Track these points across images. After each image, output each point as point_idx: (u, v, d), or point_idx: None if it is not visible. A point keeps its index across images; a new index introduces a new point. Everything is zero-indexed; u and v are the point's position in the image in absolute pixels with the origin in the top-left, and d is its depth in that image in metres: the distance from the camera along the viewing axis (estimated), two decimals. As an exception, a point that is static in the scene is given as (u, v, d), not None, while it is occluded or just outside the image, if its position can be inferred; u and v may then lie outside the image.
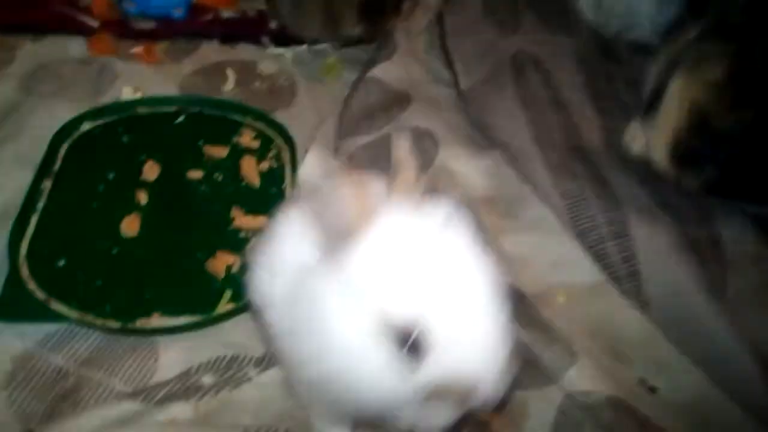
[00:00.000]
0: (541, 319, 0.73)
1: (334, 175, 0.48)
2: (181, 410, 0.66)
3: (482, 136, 0.94)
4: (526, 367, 0.71)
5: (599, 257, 0.76)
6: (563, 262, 0.79)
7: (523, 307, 0.73)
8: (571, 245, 0.79)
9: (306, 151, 0.97)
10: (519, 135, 0.86)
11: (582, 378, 0.67)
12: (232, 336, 0.75)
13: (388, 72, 1.07)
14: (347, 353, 0.47)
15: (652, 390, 0.71)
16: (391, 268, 0.46)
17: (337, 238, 0.47)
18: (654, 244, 0.73)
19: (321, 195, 0.50)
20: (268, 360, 0.72)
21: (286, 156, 0.98)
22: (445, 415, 0.50)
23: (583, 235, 0.77)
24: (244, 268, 0.80)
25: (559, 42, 0.98)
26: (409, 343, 0.45)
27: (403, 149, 0.50)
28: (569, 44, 1.00)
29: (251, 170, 0.94)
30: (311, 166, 0.93)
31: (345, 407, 0.56)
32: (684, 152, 0.73)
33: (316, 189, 0.53)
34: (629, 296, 0.74)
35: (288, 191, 0.93)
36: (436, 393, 0.47)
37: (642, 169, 0.83)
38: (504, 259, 0.79)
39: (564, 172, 0.80)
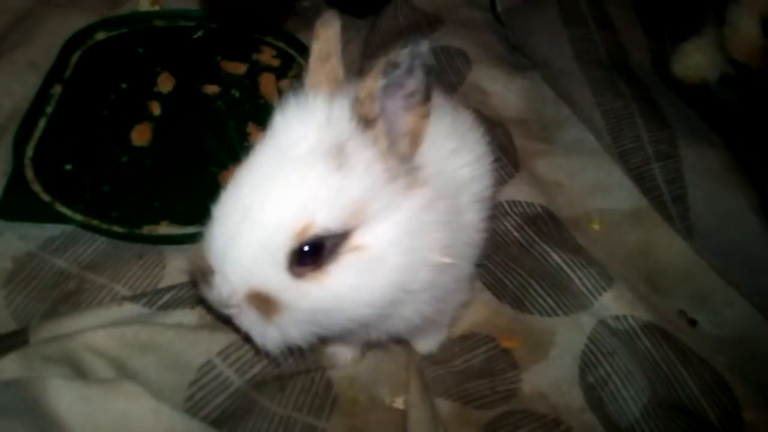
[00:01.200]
0: (575, 244, 0.67)
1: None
2: (185, 316, 0.62)
3: (520, 57, 0.87)
4: (556, 292, 0.66)
5: (643, 179, 0.69)
6: (601, 187, 0.73)
7: (556, 229, 0.68)
8: (610, 169, 0.73)
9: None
10: (559, 52, 0.79)
11: (618, 302, 0.61)
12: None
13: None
14: None
15: (692, 323, 0.65)
16: None
17: None
18: (704, 165, 0.66)
19: None
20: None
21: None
22: None
23: (625, 156, 0.71)
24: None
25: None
26: None
27: None
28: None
29: (270, 87, 0.89)
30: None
31: None
32: None
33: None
34: (674, 222, 0.67)
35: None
36: None
37: (694, 91, 0.76)
38: (537, 183, 0.74)
39: (607, 90, 0.74)
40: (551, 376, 0.64)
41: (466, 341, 0.66)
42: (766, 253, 0.62)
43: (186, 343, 0.58)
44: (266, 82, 0.90)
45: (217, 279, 0.46)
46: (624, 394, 0.61)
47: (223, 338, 0.59)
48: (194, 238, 0.70)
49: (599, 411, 0.61)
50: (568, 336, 0.66)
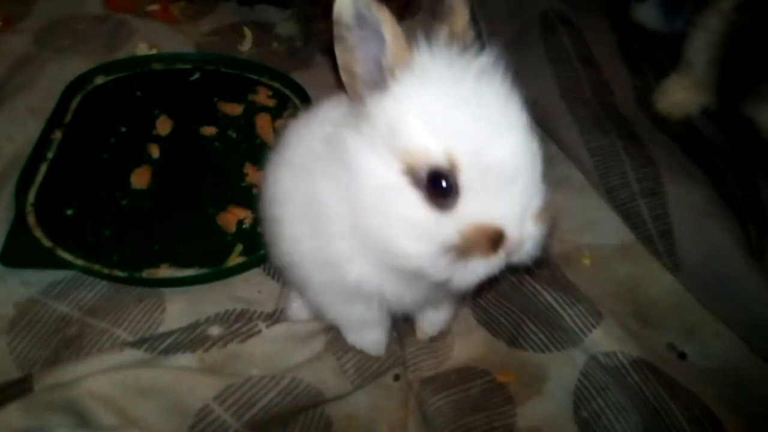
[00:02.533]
0: (565, 280, 0.69)
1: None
2: (185, 360, 0.63)
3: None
4: (548, 329, 0.68)
5: (629, 216, 0.71)
6: (590, 223, 0.75)
7: (547, 267, 0.70)
8: (598, 205, 0.75)
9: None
10: (546, 91, 0.81)
11: (607, 338, 0.63)
12: (241, 291, 0.73)
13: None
14: (379, 200, 0.47)
15: (681, 356, 0.67)
16: (423, 110, 0.46)
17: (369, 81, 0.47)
18: (688, 201, 0.68)
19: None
20: (278, 315, 0.70)
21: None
22: (480, 268, 0.48)
23: (612, 192, 0.73)
24: (256, 223, 0.78)
25: (590, -1, 0.93)
26: (438, 185, 0.45)
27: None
28: (600, 1, 0.95)
29: (266, 127, 0.91)
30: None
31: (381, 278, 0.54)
32: None
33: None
34: (661, 257, 0.69)
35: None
36: (468, 239, 0.46)
37: (677, 127, 0.79)
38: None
39: (593, 127, 0.76)
40: (546, 411, 0.65)
41: (463, 374, 0.68)
42: (750, 285, 0.63)
43: (185, 387, 0.59)
44: (262, 122, 0.92)
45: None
46: (618, 428, 0.63)
47: (219, 382, 0.60)
48: (194, 281, 0.72)
49: (594, 446, 0.63)
50: (562, 371, 0.67)
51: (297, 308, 0.69)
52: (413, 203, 0.46)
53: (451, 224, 0.46)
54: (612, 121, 0.77)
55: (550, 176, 0.79)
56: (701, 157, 0.74)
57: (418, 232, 0.46)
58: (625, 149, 0.74)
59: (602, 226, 0.74)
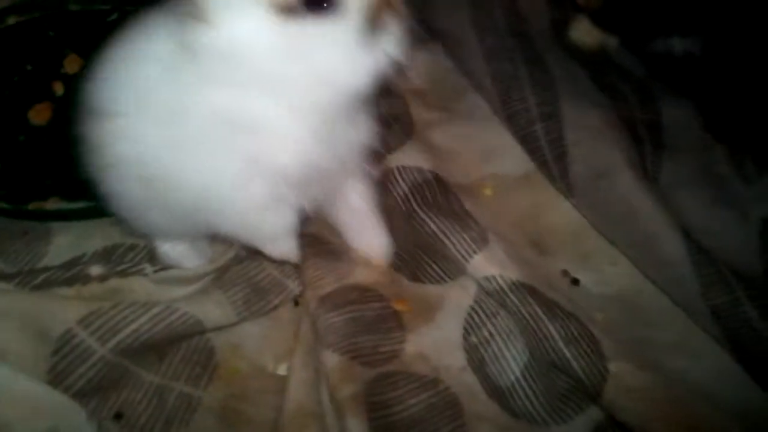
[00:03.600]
0: (461, 209, 0.67)
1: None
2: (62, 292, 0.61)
3: (424, 30, 0.87)
4: (439, 260, 0.66)
5: (527, 141, 0.69)
6: (492, 152, 0.73)
7: (443, 195, 0.68)
8: (501, 133, 0.73)
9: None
10: (458, 21, 0.79)
11: (488, 262, 0.61)
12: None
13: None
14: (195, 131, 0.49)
15: (575, 282, 0.65)
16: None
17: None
18: (584, 123, 0.66)
19: None
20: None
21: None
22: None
23: (512, 118, 0.70)
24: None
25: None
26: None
27: None
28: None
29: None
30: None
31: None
32: None
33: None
34: (556, 181, 0.67)
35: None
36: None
37: (590, 56, 0.76)
38: (430, 150, 0.74)
39: (500, 54, 0.74)
40: (435, 337, 0.64)
41: (362, 293, 0.66)
42: (639, 205, 0.61)
43: (46, 312, 0.57)
44: None
45: None
46: (506, 353, 0.61)
47: (84, 307, 0.58)
48: (82, 214, 0.70)
49: (480, 371, 0.61)
50: (455, 300, 0.66)
51: (173, 253, 0.66)
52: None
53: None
54: (521, 50, 0.74)
55: (457, 109, 0.79)
56: (608, 84, 0.72)
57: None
58: (529, 75, 0.71)
59: (505, 156, 0.72)
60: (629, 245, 0.63)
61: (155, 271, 0.66)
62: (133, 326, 0.58)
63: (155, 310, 0.59)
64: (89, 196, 0.71)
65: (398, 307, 0.67)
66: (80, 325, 0.57)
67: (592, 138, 0.65)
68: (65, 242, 0.69)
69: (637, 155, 0.64)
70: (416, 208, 0.67)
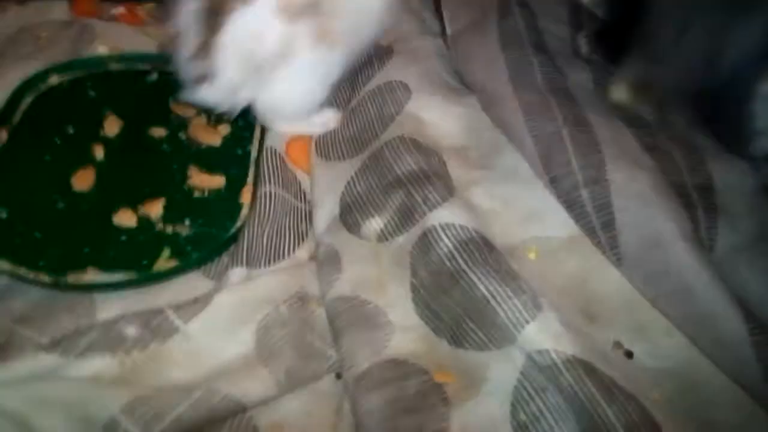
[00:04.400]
0: (511, 270, 0.65)
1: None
2: (103, 361, 0.61)
3: (461, 83, 0.86)
4: (486, 325, 0.64)
5: (573, 206, 0.67)
6: (536, 215, 0.71)
7: (490, 255, 0.66)
8: (544, 195, 0.71)
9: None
10: (495, 76, 0.77)
11: (541, 334, 0.59)
12: (174, 295, 0.70)
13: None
14: None
15: (628, 355, 0.62)
16: None
17: None
18: (632, 189, 0.64)
19: None
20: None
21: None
22: None
23: (556, 181, 0.68)
24: (191, 227, 0.77)
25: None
26: None
27: None
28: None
29: (200, 131, 0.88)
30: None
31: None
32: None
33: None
34: (604, 249, 0.65)
35: (253, 153, 0.87)
36: None
37: (631, 113, 0.74)
38: (472, 209, 0.72)
39: (540, 113, 0.72)
40: (481, 413, 0.61)
41: (401, 368, 0.64)
42: (693, 279, 0.58)
43: (92, 398, 0.57)
44: (197, 125, 0.90)
45: None
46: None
47: (127, 392, 0.58)
48: (123, 286, 0.70)
49: (530, 451, 0.59)
50: (501, 371, 0.63)
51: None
52: None
53: None
54: (560, 106, 0.72)
55: (497, 167, 0.77)
56: (654, 144, 0.69)
57: None
58: (571, 136, 0.69)
59: (548, 218, 0.70)
60: (685, 321, 0.59)
61: (185, 322, 0.66)
62: (176, 412, 0.58)
63: (197, 395, 0.59)
64: (128, 266, 0.71)
65: (441, 379, 0.64)
66: (124, 414, 0.57)
67: (642, 205, 0.63)
68: (105, 305, 0.68)
69: (690, 223, 0.62)
70: (464, 267, 0.65)
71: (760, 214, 0.63)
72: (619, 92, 0.74)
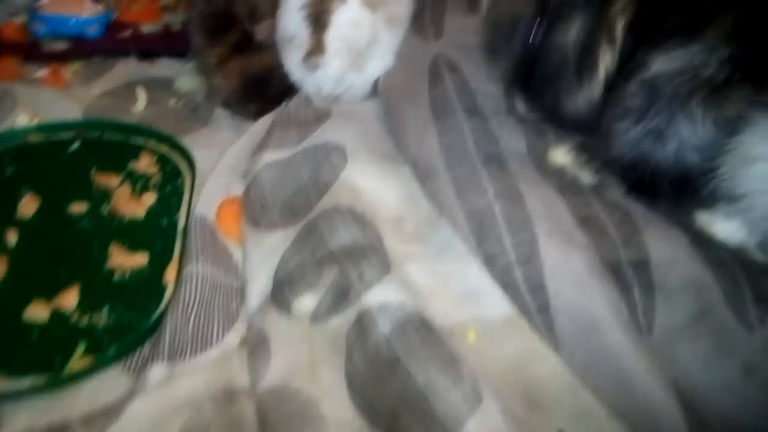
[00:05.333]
0: (451, 357, 0.62)
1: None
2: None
3: (395, 151, 0.84)
4: (425, 420, 0.60)
5: (508, 287, 0.64)
6: (474, 294, 0.68)
7: (430, 340, 0.62)
8: (481, 272, 0.68)
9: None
10: (428, 150, 0.75)
11: (484, 429, 0.55)
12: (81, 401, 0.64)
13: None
14: None
15: (572, 445, 0.59)
16: None
17: None
18: (566, 269, 0.61)
19: None
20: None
21: (187, 183, 0.89)
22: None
23: (491, 261, 0.66)
24: (110, 315, 0.72)
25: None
26: None
27: None
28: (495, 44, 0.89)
29: (126, 202, 0.84)
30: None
31: None
32: None
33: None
34: (542, 333, 0.62)
35: (180, 223, 0.83)
36: None
37: (567, 178, 0.72)
38: (410, 286, 0.69)
39: (472, 188, 0.69)
40: None
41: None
42: (631, 367, 0.56)
43: None
44: (121, 195, 0.86)
45: None
46: None
47: None
48: (31, 393, 0.64)
49: None
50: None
51: None
52: None
53: None
54: (493, 178, 0.70)
55: (434, 241, 0.74)
56: (588, 215, 0.67)
57: None
58: (503, 211, 0.67)
59: (487, 297, 0.67)
60: (625, 411, 0.57)
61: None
62: None
63: None
64: (37, 368, 0.66)
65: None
66: None
67: (576, 290, 0.60)
68: (11, 419, 0.63)
69: (626, 308, 0.59)
70: (402, 355, 0.61)
71: (697, 288, 0.61)
72: (559, 156, 0.72)
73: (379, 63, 0.90)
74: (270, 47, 0.99)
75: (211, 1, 0.98)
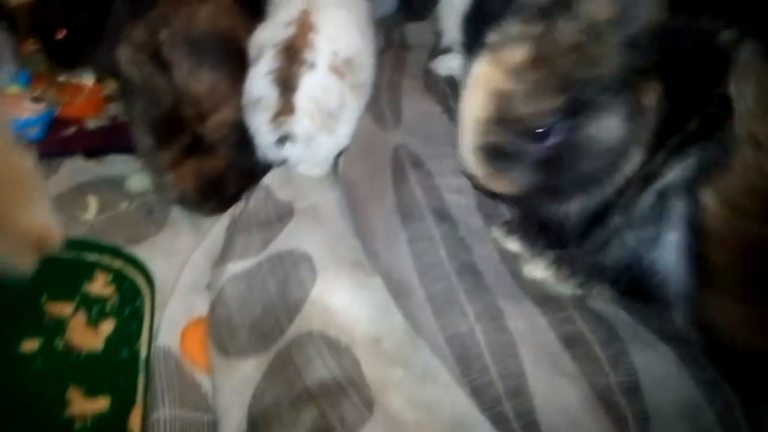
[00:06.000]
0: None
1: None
2: None
3: (366, 260, 0.80)
4: None
5: (498, 422, 0.61)
6: (462, 426, 0.65)
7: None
8: (469, 402, 0.65)
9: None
10: (399, 261, 0.72)
11: None
12: None
13: (275, 178, 0.95)
14: None
15: None
16: None
17: None
18: (558, 403, 0.59)
19: None
20: None
21: (146, 303, 0.84)
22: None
23: (477, 392, 0.63)
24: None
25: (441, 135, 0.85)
26: None
27: None
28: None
29: (82, 333, 0.79)
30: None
31: None
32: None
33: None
34: (538, 474, 0.59)
35: (142, 352, 0.78)
36: None
37: (546, 291, 0.70)
38: (396, 425, 0.65)
39: (449, 307, 0.66)
40: None
41: None
42: None
43: None
44: (76, 327, 0.80)
45: None
46: None
47: None
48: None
49: None
50: None
51: None
52: None
53: None
54: (470, 294, 0.67)
55: (415, 364, 0.71)
56: (573, 333, 0.65)
57: None
58: (485, 335, 0.64)
59: (476, 429, 0.64)
60: None
61: None
62: None
63: None
64: None
65: None
66: None
67: (571, 427, 0.58)
68: None
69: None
70: None
71: (690, 412, 0.59)
72: (537, 271, 0.70)
73: (348, 127, 0.92)
74: (223, 147, 0.96)
75: (158, 104, 0.93)
